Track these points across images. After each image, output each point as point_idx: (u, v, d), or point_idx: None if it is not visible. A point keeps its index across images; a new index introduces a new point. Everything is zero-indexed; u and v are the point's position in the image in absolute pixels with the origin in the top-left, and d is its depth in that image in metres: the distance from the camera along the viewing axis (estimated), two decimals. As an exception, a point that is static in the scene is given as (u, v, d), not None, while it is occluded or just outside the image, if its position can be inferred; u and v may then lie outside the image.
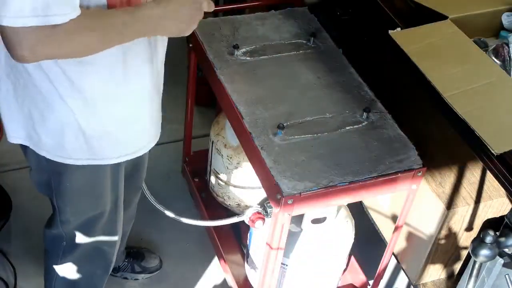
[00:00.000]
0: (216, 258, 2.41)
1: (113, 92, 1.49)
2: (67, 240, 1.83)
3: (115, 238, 1.89)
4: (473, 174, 1.98)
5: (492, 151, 1.55)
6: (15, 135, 1.60)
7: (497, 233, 1.56)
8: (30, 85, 1.47)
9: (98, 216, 1.77)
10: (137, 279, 2.35)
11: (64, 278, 1.93)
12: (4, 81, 1.53)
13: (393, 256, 2.09)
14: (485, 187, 1.94)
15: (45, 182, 1.70)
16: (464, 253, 2.05)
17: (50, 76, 1.43)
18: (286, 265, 1.97)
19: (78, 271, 1.91)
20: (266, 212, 1.69)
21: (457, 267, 2.10)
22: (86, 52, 1.34)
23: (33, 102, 1.50)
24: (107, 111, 1.52)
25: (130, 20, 1.33)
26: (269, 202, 1.69)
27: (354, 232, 2.07)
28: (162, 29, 1.40)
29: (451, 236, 1.96)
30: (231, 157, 2.16)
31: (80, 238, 1.82)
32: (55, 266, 1.91)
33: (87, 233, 1.82)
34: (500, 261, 1.62)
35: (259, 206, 1.71)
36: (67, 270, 1.91)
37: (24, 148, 1.63)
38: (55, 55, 1.31)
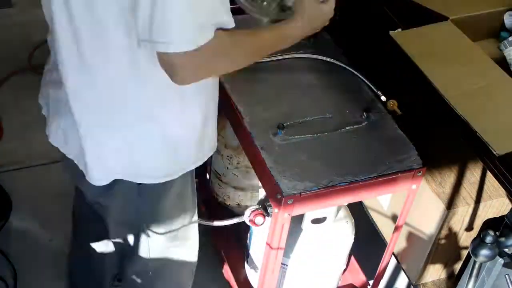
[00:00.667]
0: (216, 258, 2.41)
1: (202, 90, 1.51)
2: (153, 262, 1.75)
3: (196, 244, 1.84)
4: (473, 174, 1.98)
5: (494, 152, 1.55)
6: (105, 176, 1.52)
7: (497, 233, 1.56)
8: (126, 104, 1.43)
9: (183, 225, 1.73)
10: None
11: None
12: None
13: (393, 256, 2.09)
14: (485, 187, 1.94)
15: (132, 216, 1.63)
16: (464, 253, 2.05)
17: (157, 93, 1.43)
18: (286, 265, 1.97)
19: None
20: (266, 211, 1.69)
21: (457, 267, 2.10)
22: (234, 68, 1.42)
23: (128, 125, 1.45)
24: (195, 112, 1.52)
25: (275, 43, 1.49)
26: (269, 202, 1.69)
27: (354, 232, 2.07)
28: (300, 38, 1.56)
29: (451, 236, 1.96)
30: (231, 157, 2.16)
31: (167, 253, 1.75)
32: None
33: (174, 246, 1.75)
34: (500, 261, 1.62)
35: (259, 205, 1.72)
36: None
37: (105, 187, 1.54)
38: (213, 72, 1.40)
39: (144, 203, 1.59)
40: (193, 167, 1.61)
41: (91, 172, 1.50)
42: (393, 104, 1.86)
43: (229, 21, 1.31)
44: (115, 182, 1.52)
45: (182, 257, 1.80)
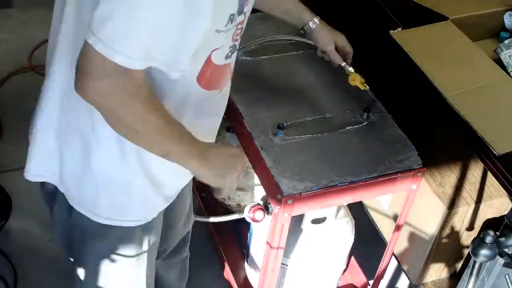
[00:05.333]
0: (216, 258, 2.41)
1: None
2: None
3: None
4: (473, 174, 1.98)
5: (495, 152, 1.55)
6: (39, 173, 1.43)
7: (497, 233, 1.56)
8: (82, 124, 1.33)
9: None
10: None
11: None
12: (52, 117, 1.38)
13: (393, 256, 2.09)
14: (485, 187, 1.95)
15: (67, 238, 1.51)
16: (464, 253, 2.05)
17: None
18: (286, 265, 1.97)
19: None
20: (267, 208, 1.69)
21: (458, 267, 2.10)
22: (134, 137, 1.22)
23: (77, 143, 1.35)
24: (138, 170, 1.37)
25: (195, 153, 1.29)
26: (268, 200, 1.69)
27: (354, 232, 2.07)
28: (202, 171, 1.34)
29: (451, 236, 1.96)
30: (231, 157, 2.16)
31: None
32: None
33: None
34: (500, 261, 1.62)
35: (258, 202, 1.72)
36: None
37: (48, 189, 1.47)
38: (113, 110, 1.17)
39: (73, 233, 1.47)
40: (134, 223, 1.43)
41: (28, 165, 1.42)
42: (354, 78, 1.79)
43: (181, 69, 1.20)
44: (57, 190, 1.43)
45: None
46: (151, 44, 1.13)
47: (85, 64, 1.12)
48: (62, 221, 1.48)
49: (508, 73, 1.86)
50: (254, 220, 1.72)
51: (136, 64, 1.13)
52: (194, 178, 1.50)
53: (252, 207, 1.71)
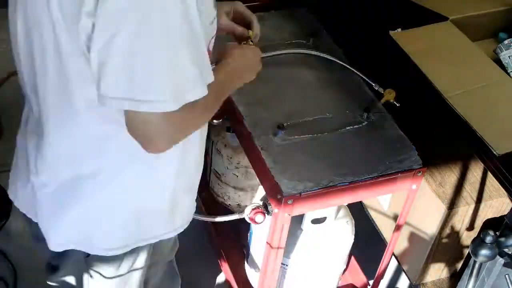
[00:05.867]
0: (216, 258, 2.41)
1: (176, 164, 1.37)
2: None
3: None
4: (473, 174, 1.98)
5: (494, 152, 1.55)
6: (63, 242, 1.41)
7: (497, 233, 1.56)
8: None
9: None
10: None
11: None
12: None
13: (393, 256, 2.09)
14: (485, 187, 1.95)
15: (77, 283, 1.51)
16: (464, 253, 2.05)
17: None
18: (286, 265, 1.97)
19: None
20: (267, 209, 1.69)
21: (458, 267, 2.10)
22: (202, 125, 1.32)
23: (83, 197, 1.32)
24: (170, 183, 1.39)
25: (227, 87, 1.34)
26: (268, 200, 1.69)
27: (354, 232, 2.07)
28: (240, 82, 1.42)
29: (451, 236, 1.96)
30: (231, 157, 2.16)
31: None
32: None
33: None
34: (500, 261, 1.62)
35: (258, 203, 1.72)
36: None
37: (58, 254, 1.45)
38: (186, 136, 1.20)
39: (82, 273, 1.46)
40: (153, 240, 1.44)
41: (47, 236, 1.40)
42: (390, 93, 1.82)
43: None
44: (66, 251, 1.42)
45: None
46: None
47: (144, 132, 1.11)
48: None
49: (508, 73, 1.86)
50: (254, 222, 1.72)
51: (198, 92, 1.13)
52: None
53: (253, 209, 1.71)
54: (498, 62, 1.89)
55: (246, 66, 1.41)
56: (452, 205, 1.89)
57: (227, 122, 2.14)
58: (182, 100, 1.10)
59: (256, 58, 1.44)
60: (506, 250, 1.57)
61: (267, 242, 1.74)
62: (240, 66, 1.38)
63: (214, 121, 2.19)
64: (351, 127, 1.80)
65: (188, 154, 1.38)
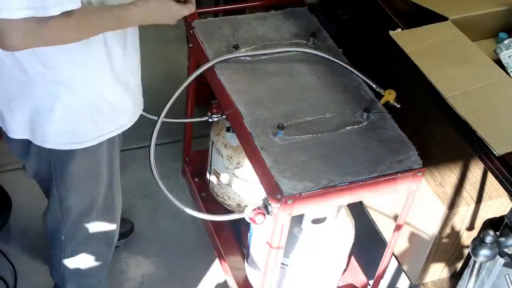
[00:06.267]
0: (216, 258, 2.41)
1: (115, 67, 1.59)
2: (67, 228, 1.87)
3: (114, 214, 1.94)
4: (473, 174, 1.98)
5: (494, 152, 1.55)
6: (17, 131, 1.64)
7: (497, 233, 1.56)
8: (20, 77, 1.52)
9: (97, 196, 1.82)
10: (117, 246, 2.25)
11: (70, 262, 1.96)
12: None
13: (393, 256, 2.09)
14: (485, 187, 1.95)
15: (45, 172, 1.74)
16: (465, 253, 2.05)
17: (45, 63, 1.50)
18: (286, 265, 1.97)
19: (83, 253, 1.95)
20: (267, 209, 1.69)
21: (458, 267, 2.10)
22: (67, 43, 1.43)
23: (31, 95, 1.54)
24: (108, 85, 1.60)
25: (116, 23, 1.48)
26: (268, 200, 1.69)
27: (354, 232, 2.07)
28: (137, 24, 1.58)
29: (452, 236, 1.96)
30: (231, 157, 2.16)
31: (81, 222, 1.86)
32: (59, 254, 1.95)
33: (88, 214, 1.85)
34: (500, 261, 1.62)
35: (259, 203, 1.71)
36: (72, 255, 1.95)
37: (23, 143, 1.67)
38: (41, 44, 1.39)
39: (53, 166, 1.71)
40: (109, 135, 1.69)
41: (7, 125, 1.64)
42: (390, 93, 1.86)
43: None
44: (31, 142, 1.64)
45: (96, 228, 1.91)
46: None
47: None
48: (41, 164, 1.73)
49: (508, 73, 1.86)
50: (254, 222, 1.72)
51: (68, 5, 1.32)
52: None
53: (254, 209, 1.71)
54: (498, 62, 1.88)
55: (158, 14, 1.53)
56: (452, 205, 1.89)
57: (227, 122, 2.15)
58: (41, 12, 1.28)
59: (177, 13, 1.55)
60: (506, 250, 1.57)
61: (267, 242, 1.74)
62: (150, 12, 1.50)
63: (214, 116, 2.20)
64: (351, 127, 1.80)
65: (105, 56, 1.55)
